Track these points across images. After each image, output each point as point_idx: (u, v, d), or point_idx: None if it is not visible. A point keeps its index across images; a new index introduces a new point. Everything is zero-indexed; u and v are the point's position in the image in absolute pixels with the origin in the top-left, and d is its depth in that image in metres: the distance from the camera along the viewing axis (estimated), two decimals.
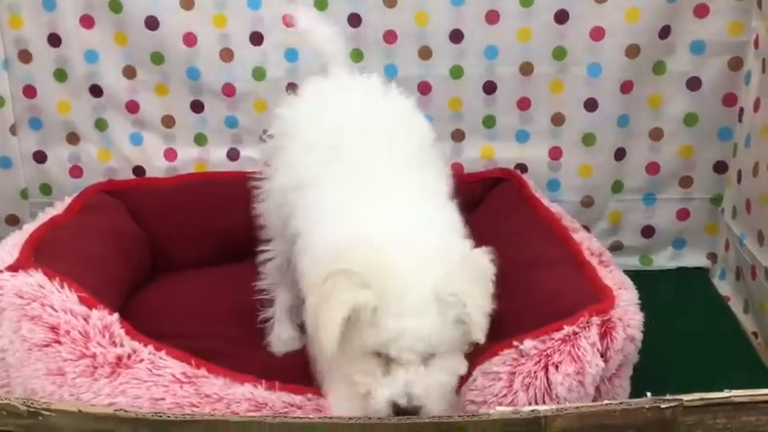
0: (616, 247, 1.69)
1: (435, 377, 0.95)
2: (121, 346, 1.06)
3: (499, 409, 0.91)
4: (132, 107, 1.68)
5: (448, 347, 0.96)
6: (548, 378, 0.99)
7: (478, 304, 0.95)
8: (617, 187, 1.68)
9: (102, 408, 0.97)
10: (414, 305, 0.92)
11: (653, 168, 1.65)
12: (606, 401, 0.91)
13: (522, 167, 1.67)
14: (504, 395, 0.99)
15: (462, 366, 0.99)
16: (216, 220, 1.62)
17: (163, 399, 1.01)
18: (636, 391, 1.16)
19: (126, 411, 0.94)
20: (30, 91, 1.66)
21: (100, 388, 1.03)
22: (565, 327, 1.03)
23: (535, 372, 0.99)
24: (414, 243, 0.96)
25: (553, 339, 1.02)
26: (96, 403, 1.02)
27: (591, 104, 1.61)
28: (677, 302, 1.55)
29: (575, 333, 1.02)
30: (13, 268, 1.15)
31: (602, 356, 1.04)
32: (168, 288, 1.54)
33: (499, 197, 1.58)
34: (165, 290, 1.53)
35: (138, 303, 1.45)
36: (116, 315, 1.10)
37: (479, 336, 0.95)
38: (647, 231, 1.70)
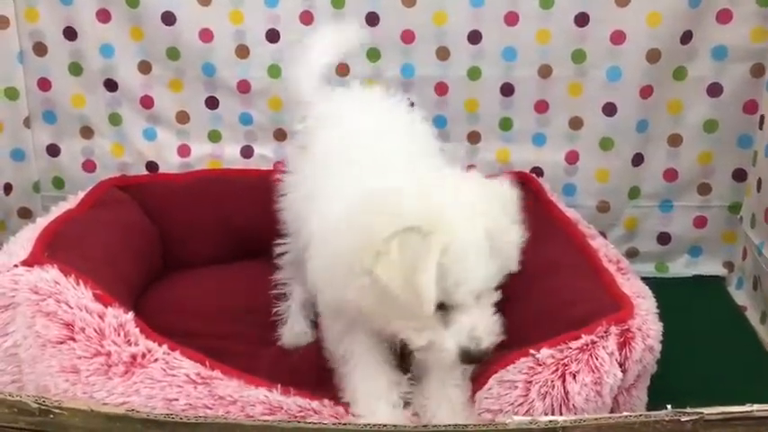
0: (632, 254, 1.67)
1: (488, 314, 0.96)
2: (136, 344, 1.05)
3: (516, 418, 0.90)
4: (147, 102, 1.68)
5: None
6: (565, 387, 0.97)
7: (514, 239, 0.97)
8: (634, 193, 1.66)
9: (114, 407, 0.96)
10: (472, 250, 0.93)
11: (671, 175, 1.63)
12: (626, 414, 0.90)
13: (539, 171, 1.66)
14: (521, 404, 0.97)
15: (495, 295, 0.99)
16: (229, 218, 1.62)
17: (176, 399, 1.00)
18: (649, 401, 1.15)
19: (138, 411, 0.93)
20: (44, 84, 1.66)
21: (114, 387, 1.02)
22: (583, 336, 1.02)
23: (552, 381, 0.98)
24: (450, 189, 0.96)
25: (570, 348, 1.00)
26: (110, 402, 1.01)
27: (609, 109, 1.60)
28: (692, 311, 1.53)
29: (593, 342, 1.01)
30: (29, 263, 1.14)
31: (620, 366, 1.02)
32: (179, 285, 1.53)
33: None
34: (176, 287, 1.52)
35: (149, 300, 1.44)
36: (131, 313, 1.09)
37: (515, 266, 0.98)
38: (664, 238, 1.68)
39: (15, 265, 1.13)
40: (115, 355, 1.04)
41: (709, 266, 1.69)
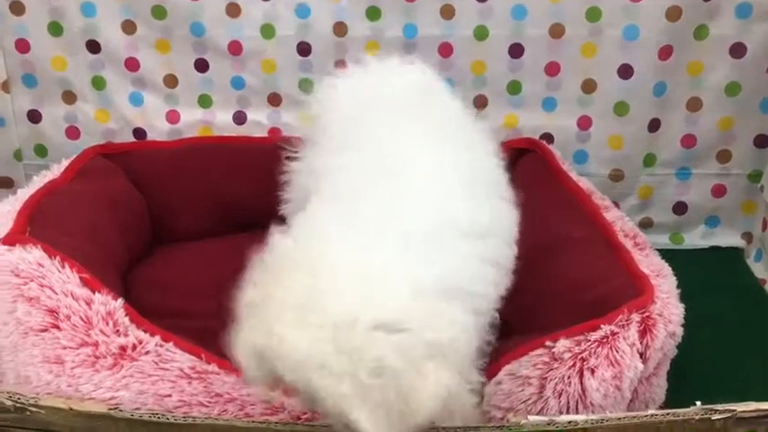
0: (645, 225, 1.60)
1: None
2: (126, 335, 0.98)
3: (532, 418, 0.84)
4: (132, 65, 1.58)
5: None
6: (582, 384, 0.91)
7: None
8: (649, 160, 1.58)
9: (95, 405, 0.90)
10: None
11: (689, 141, 1.55)
12: (651, 412, 0.84)
13: (549, 137, 1.57)
14: (534, 402, 0.91)
15: None
16: (221, 188, 1.54)
17: (169, 395, 0.93)
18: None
19: (121, 411, 0.88)
20: (23, 45, 1.56)
21: (101, 380, 0.95)
22: (602, 326, 0.95)
23: (569, 377, 0.91)
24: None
25: (589, 341, 0.93)
26: (96, 397, 0.94)
27: (625, 71, 1.50)
28: (709, 284, 1.46)
29: (613, 333, 0.94)
30: (9, 242, 1.06)
31: (640, 356, 0.96)
32: (169, 261, 1.46)
33: (523, 170, 1.48)
34: (165, 263, 1.45)
35: (137, 277, 1.37)
36: (120, 300, 1.02)
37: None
38: (680, 208, 1.61)
39: None
40: (103, 345, 0.97)
41: (727, 237, 1.62)
